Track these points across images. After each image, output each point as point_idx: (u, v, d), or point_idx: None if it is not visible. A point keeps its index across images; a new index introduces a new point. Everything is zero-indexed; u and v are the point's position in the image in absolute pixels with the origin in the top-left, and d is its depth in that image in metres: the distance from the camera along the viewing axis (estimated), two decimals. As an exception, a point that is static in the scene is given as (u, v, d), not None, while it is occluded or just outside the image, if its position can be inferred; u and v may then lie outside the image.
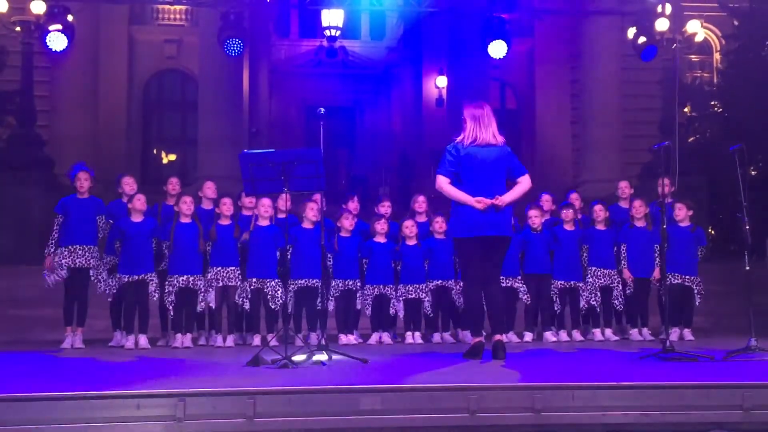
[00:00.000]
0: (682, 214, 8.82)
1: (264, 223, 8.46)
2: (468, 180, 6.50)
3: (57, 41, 12.08)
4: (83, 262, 8.15)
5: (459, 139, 6.59)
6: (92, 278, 8.22)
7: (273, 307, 8.29)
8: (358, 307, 8.70)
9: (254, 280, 8.33)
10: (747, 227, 7.00)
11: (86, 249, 8.17)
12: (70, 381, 5.24)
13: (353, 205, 9.07)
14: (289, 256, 8.39)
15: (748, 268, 7.07)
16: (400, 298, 8.65)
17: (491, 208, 6.40)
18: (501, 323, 6.74)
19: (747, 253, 7.07)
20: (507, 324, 8.55)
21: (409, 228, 8.78)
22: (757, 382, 4.80)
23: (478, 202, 6.39)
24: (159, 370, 5.99)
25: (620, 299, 8.90)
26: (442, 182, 6.56)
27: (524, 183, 6.62)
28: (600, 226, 8.97)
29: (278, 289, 8.29)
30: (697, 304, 8.78)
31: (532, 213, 8.90)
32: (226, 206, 8.43)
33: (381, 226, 8.77)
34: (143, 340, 8.09)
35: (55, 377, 5.56)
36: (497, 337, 6.49)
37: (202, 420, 4.31)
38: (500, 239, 6.54)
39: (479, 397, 4.43)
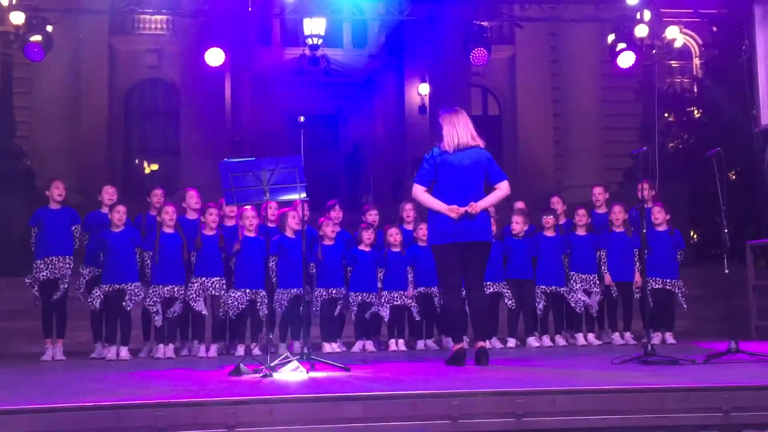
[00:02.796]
0: (660, 217, 8.89)
1: (251, 234, 8.44)
2: (444, 187, 6.51)
3: (33, 51, 12.00)
4: (60, 273, 8.11)
5: (441, 146, 6.59)
6: (60, 288, 8.15)
7: (262, 316, 8.27)
8: (336, 312, 8.70)
9: (247, 290, 8.31)
10: (725, 231, 7.06)
11: (62, 260, 8.14)
12: (49, 393, 5.20)
13: (335, 213, 9.07)
14: (274, 266, 8.40)
15: (727, 271, 7.14)
16: (387, 305, 8.65)
17: (465, 215, 6.41)
18: (484, 329, 6.75)
19: (726, 257, 7.13)
20: (491, 330, 8.58)
21: (393, 236, 8.78)
22: (737, 385, 4.83)
23: (451, 211, 6.39)
24: (140, 380, 5.96)
25: (597, 304, 8.95)
26: (418, 191, 6.60)
27: (502, 189, 6.60)
28: (581, 231, 9.02)
29: (266, 300, 8.29)
30: (685, 308, 8.84)
31: (515, 219, 8.93)
32: (212, 216, 8.41)
33: (368, 235, 8.77)
34: (125, 351, 8.07)
35: (34, 390, 5.51)
36: (480, 343, 6.50)
37: (182, 431, 4.29)
38: (478, 245, 6.51)
39: (461, 403, 4.43)
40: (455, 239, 6.41)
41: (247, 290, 8.33)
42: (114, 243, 8.14)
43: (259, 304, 8.30)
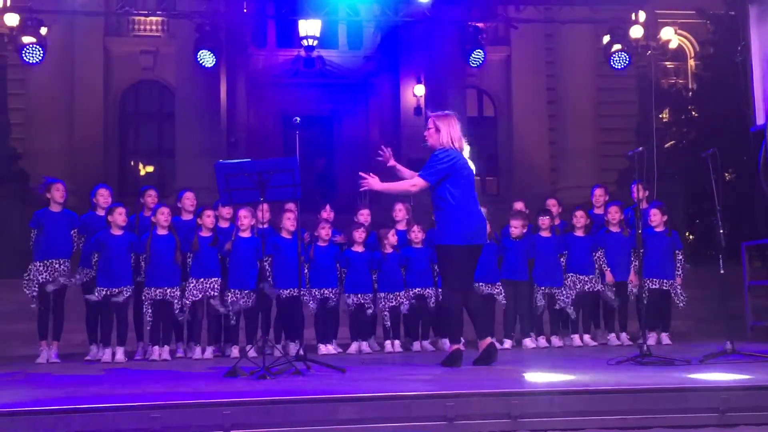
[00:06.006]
0: (657, 219, 8.88)
1: (245, 234, 8.42)
2: (462, 187, 6.57)
3: (32, 54, 11.96)
4: (58, 276, 8.07)
5: (445, 146, 6.62)
6: (49, 291, 8.07)
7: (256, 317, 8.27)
8: (329, 305, 8.66)
9: (237, 291, 8.29)
10: (721, 231, 7.06)
11: (61, 263, 8.10)
12: (44, 396, 5.18)
13: (327, 214, 9.06)
14: (268, 267, 8.38)
15: (723, 271, 7.14)
16: (386, 308, 8.63)
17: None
18: (487, 326, 6.77)
19: (721, 257, 7.14)
20: (492, 328, 8.58)
21: (389, 237, 8.77)
22: (733, 385, 4.83)
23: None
24: (135, 382, 5.94)
25: (599, 305, 8.96)
26: (420, 184, 6.61)
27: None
28: (579, 233, 9.02)
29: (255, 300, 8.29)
30: (681, 306, 8.84)
31: (514, 224, 8.92)
32: (210, 218, 8.38)
33: (359, 235, 8.75)
34: (120, 353, 8.03)
35: (30, 392, 5.49)
36: (488, 340, 6.53)
37: (178, 432, 4.27)
38: (481, 247, 6.71)
39: (456, 404, 4.43)
40: (473, 241, 6.52)
41: (236, 291, 8.31)
42: (112, 245, 8.10)
43: (251, 304, 8.28)
